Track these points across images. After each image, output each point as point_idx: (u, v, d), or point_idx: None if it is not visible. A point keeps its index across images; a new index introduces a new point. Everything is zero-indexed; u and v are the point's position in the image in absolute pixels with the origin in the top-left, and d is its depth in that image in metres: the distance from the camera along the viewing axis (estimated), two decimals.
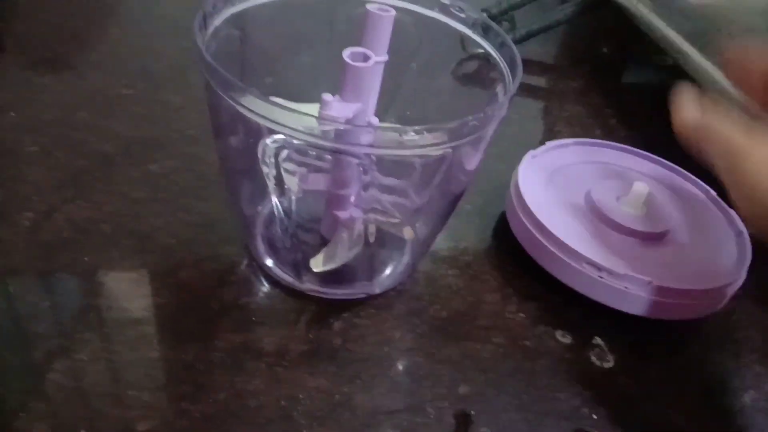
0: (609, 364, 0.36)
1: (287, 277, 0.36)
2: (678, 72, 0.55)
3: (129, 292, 0.35)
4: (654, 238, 0.40)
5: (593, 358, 0.36)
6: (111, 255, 0.36)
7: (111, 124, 0.45)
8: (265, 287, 0.36)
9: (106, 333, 0.33)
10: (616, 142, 0.48)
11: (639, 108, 0.61)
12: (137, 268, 0.36)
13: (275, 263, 0.37)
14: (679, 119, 0.32)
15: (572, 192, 0.42)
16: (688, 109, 0.32)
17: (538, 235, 0.38)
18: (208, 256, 0.37)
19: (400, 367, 0.34)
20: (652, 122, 0.59)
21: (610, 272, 0.36)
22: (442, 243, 0.41)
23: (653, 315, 0.36)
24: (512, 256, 0.41)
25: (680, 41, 0.55)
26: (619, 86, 0.66)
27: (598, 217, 0.40)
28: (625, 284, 0.35)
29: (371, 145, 0.27)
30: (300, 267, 0.36)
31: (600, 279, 0.36)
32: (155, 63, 0.53)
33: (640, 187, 0.40)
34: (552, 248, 0.37)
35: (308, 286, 0.36)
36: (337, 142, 0.26)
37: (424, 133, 0.26)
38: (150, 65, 0.52)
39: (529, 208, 0.39)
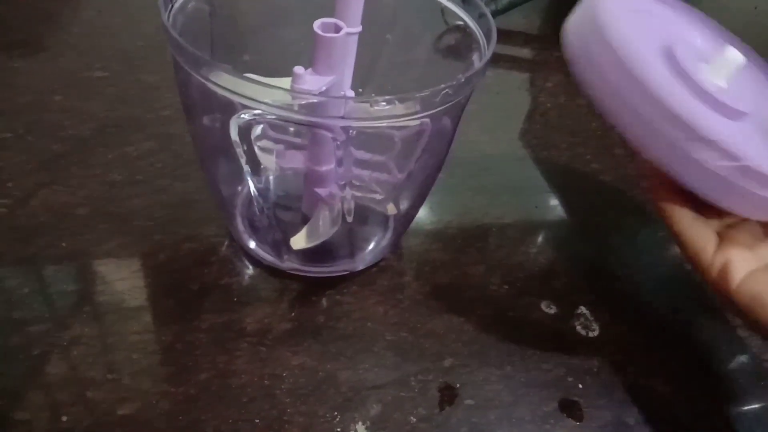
0: (594, 333, 0.36)
1: (268, 257, 0.36)
2: None
3: (108, 276, 0.34)
4: (728, 115, 0.31)
5: (578, 328, 0.36)
6: (89, 239, 0.36)
7: (86, 107, 0.45)
8: (247, 267, 0.36)
9: (86, 317, 0.32)
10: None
11: None
12: (116, 251, 0.36)
13: (256, 243, 0.36)
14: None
15: (655, 39, 0.33)
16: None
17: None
18: (187, 236, 0.37)
19: (384, 343, 0.34)
20: None
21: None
22: (424, 217, 0.41)
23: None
24: (497, 228, 0.41)
25: None
26: None
27: (674, 74, 0.31)
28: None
29: (343, 117, 0.26)
30: (281, 246, 0.36)
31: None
32: (130, 42, 0.52)
33: (734, 54, 0.32)
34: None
35: (289, 264, 0.36)
36: (308, 115, 0.26)
37: (396, 102, 0.25)
38: (125, 45, 0.51)
39: (610, 43, 0.30)
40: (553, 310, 0.36)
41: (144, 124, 0.44)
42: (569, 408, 0.32)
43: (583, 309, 0.37)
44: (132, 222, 0.37)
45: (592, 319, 0.36)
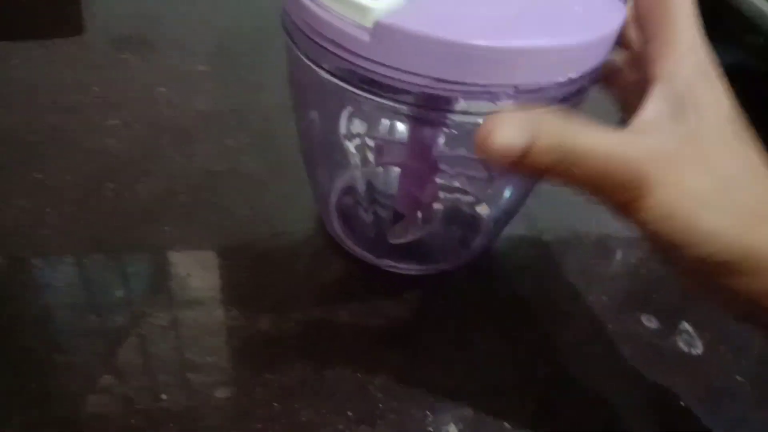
0: (698, 351, 0.34)
1: (362, 252, 0.36)
2: None
3: (208, 262, 0.35)
4: None
5: (681, 345, 0.34)
6: (190, 226, 0.37)
7: (189, 100, 0.46)
8: (341, 262, 0.36)
9: (186, 300, 0.33)
10: None
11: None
12: (216, 238, 0.36)
13: (351, 238, 0.36)
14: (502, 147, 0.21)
15: None
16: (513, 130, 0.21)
17: None
18: (284, 230, 0.37)
19: (478, 347, 0.33)
20: (741, 106, 0.55)
21: None
22: (519, 222, 0.40)
23: None
24: (594, 238, 0.39)
25: None
26: None
27: None
28: None
29: (464, 112, 0.26)
30: (375, 242, 0.35)
31: None
32: (231, 41, 0.53)
33: None
34: None
35: (384, 261, 0.36)
36: (427, 108, 0.26)
37: (519, 96, 0.25)
38: (226, 43, 0.53)
39: None
40: (654, 325, 0.35)
41: (244, 119, 0.45)
42: (670, 427, 0.31)
43: (686, 325, 0.35)
44: (232, 212, 0.38)
45: (695, 335, 0.35)
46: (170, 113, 0.45)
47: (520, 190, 0.36)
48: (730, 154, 0.23)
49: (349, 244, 0.36)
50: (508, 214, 0.37)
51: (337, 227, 0.37)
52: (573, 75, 0.25)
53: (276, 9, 0.29)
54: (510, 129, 0.21)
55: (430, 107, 0.27)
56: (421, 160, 0.34)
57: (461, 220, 0.38)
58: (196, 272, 0.35)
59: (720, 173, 0.23)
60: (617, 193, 0.22)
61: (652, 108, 0.24)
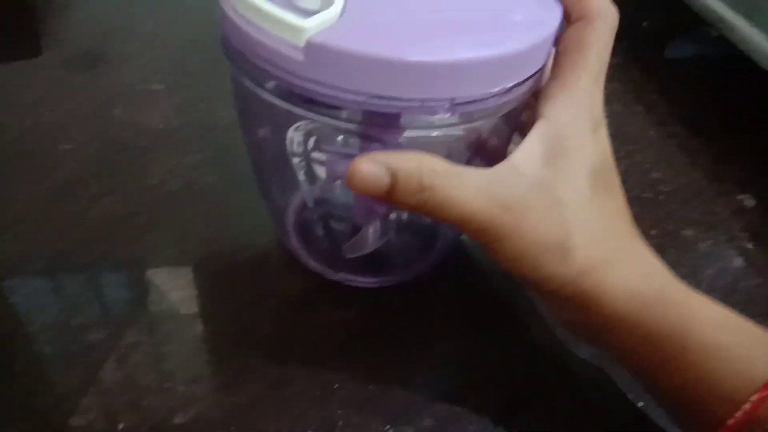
0: None
1: (320, 267, 0.36)
2: (724, 45, 0.53)
3: (164, 284, 0.35)
4: None
5: None
6: (147, 247, 0.37)
7: (145, 119, 0.46)
8: (300, 277, 0.36)
9: (142, 325, 0.33)
10: (658, 117, 0.46)
11: (682, 83, 0.58)
12: (173, 259, 0.36)
13: (308, 253, 0.36)
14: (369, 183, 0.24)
15: None
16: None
17: None
18: (242, 246, 0.37)
19: (440, 354, 0.33)
20: (698, 97, 0.56)
21: None
22: None
23: None
24: None
25: (723, 10, 0.52)
26: (661, 61, 0.63)
27: None
28: None
29: (402, 128, 0.26)
30: (333, 256, 0.35)
31: None
32: (189, 55, 0.53)
33: None
34: None
35: (342, 275, 0.36)
36: (365, 126, 0.26)
37: (456, 108, 0.25)
38: (183, 57, 0.53)
39: None
40: None
41: (200, 135, 0.44)
42: (641, 419, 0.31)
43: None
44: (189, 231, 0.38)
45: None
46: (127, 132, 0.44)
47: None
48: (583, 204, 0.26)
49: (307, 260, 0.36)
50: None
51: (294, 242, 0.37)
52: (509, 84, 0.25)
53: None
54: (375, 168, 0.23)
55: (372, 123, 0.27)
56: None
57: (419, 228, 0.38)
58: (153, 295, 0.34)
59: (567, 223, 0.25)
60: (475, 236, 0.25)
61: (528, 147, 0.25)
